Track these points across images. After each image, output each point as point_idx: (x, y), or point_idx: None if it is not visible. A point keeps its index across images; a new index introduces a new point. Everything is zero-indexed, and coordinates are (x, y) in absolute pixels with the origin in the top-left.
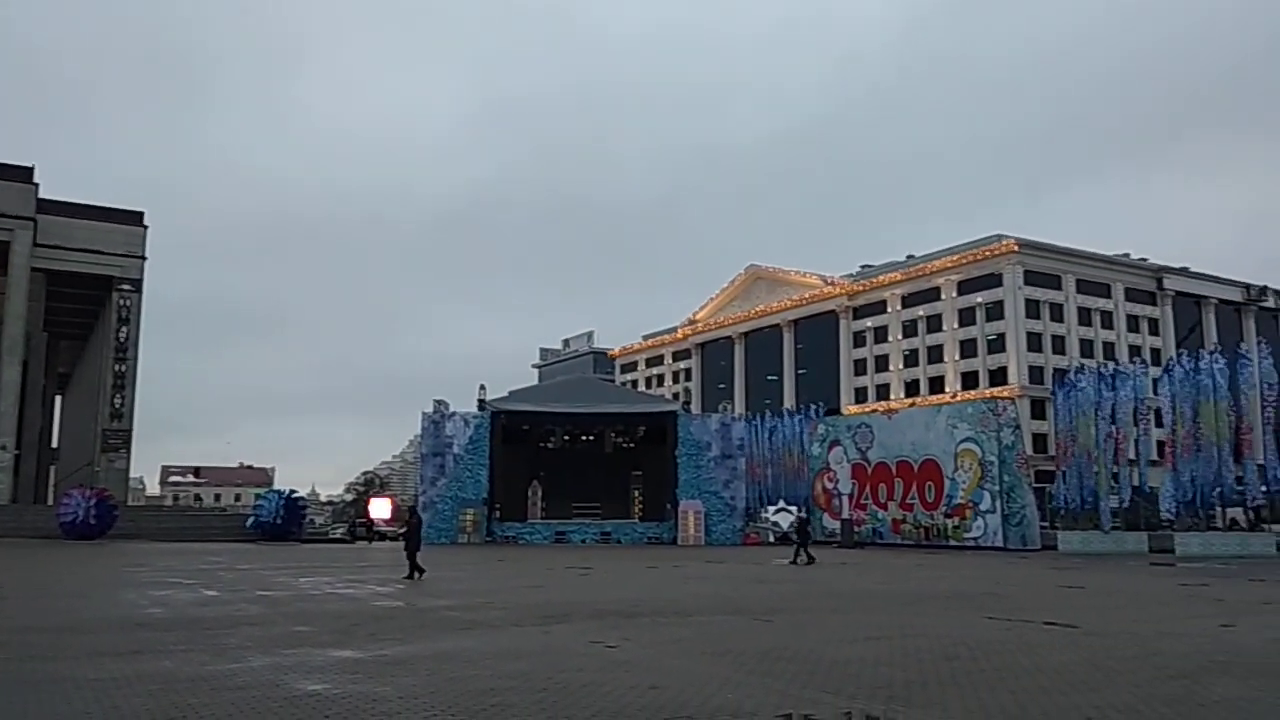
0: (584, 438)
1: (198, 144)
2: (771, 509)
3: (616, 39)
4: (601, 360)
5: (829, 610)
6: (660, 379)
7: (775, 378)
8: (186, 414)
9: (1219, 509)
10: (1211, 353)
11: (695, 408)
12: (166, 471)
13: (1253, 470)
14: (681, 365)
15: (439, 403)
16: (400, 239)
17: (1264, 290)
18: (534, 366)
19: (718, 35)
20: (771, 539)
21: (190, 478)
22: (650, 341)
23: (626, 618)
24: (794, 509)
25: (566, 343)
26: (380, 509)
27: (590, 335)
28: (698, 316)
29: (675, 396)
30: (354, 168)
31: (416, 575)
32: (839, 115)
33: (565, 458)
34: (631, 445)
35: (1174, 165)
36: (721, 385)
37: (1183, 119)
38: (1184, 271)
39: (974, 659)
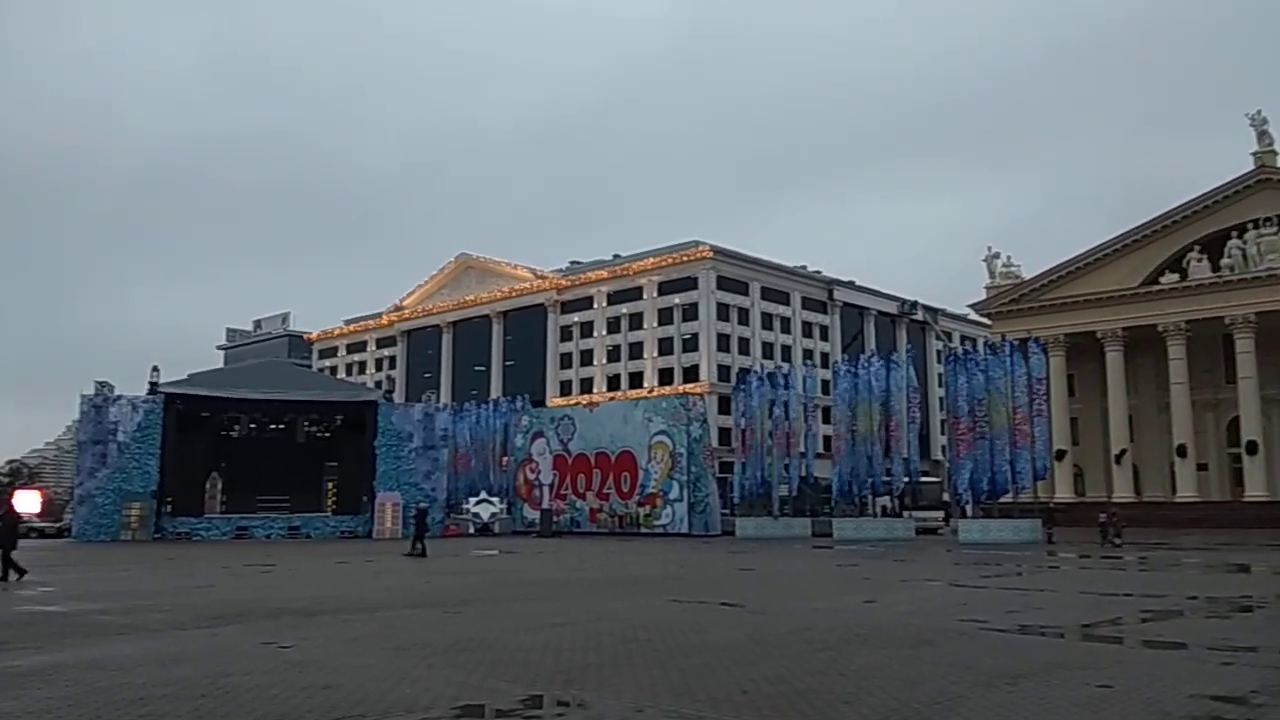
0: (273, 426)
1: None
2: (473, 500)
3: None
4: (298, 344)
5: (520, 599)
6: (362, 366)
7: (483, 368)
8: None
9: (871, 497)
10: (869, 359)
11: (399, 397)
12: None
13: (899, 463)
14: (386, 353)
15: (101, 384)
16: (91, 200)
17: (915, 305)
18: (219, 349)
19: (490, 8)
20: (472, 530)
21: None
22: (353, 327)
23: (307, 616)
24: (495, 500)
25: (258, 324)
26: (27, 502)
27: (286, 317)
28: (405, 303)
29: (378, 385)
30: (49, 117)
31: (14, 577)
32: (586, 112)
33: (251, 448)
34: (327, 435)
35: (870, 187)
36: (428, 374)
37: (881, 147)
38: (851, 285)
39: (650, 640)
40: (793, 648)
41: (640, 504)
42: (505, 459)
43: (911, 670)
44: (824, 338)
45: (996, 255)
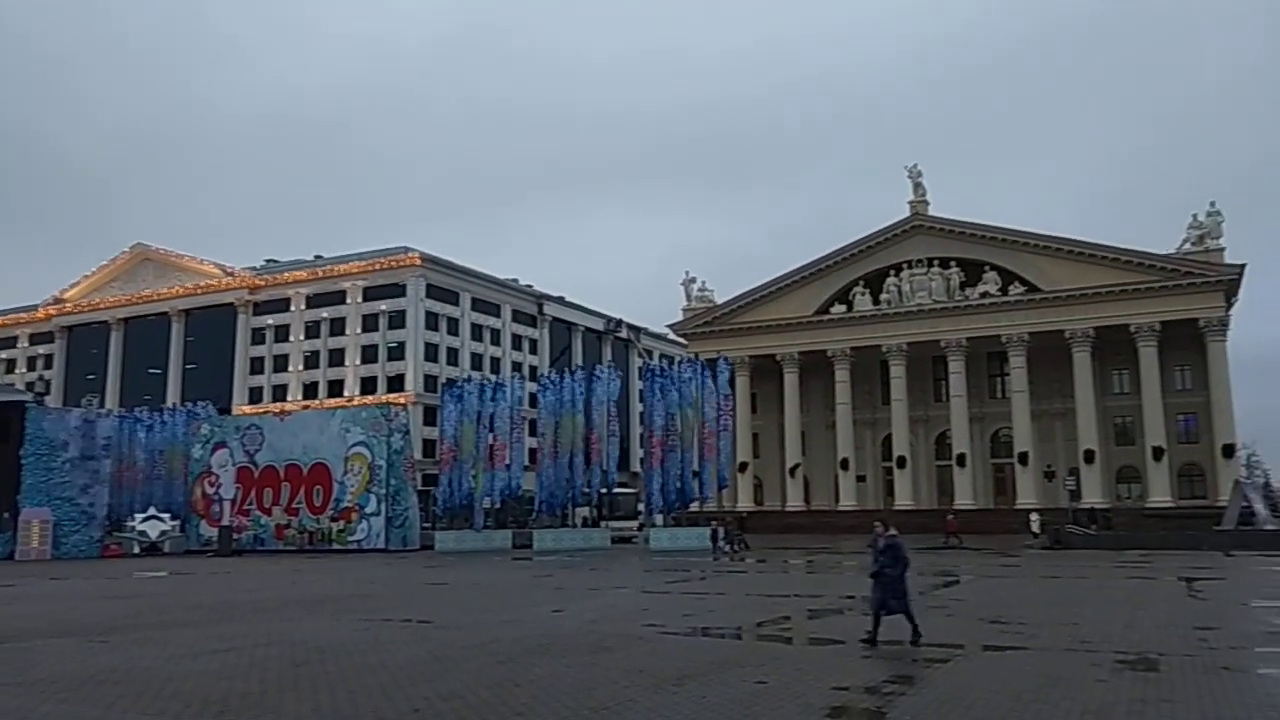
0: None
1: None
2: (140, 517)
3: None
4: None
5: (181, 625)
6: (11, 365)
7: (159, 371)
8: None
9: (571, 508)
10: (574, 373)
11: (55, 400)
12: None
13: (598, 474)
14: (41, 350)
15: None
16: None
17: (619, 323)
18: None
19: None
20: (137, 549)
21: None
22: (1, 320)
23: None
24: (166, 517)
25: None
26: None
27: None
28: (67, 295)
29: (29, 386)
30: None
31: None
32: (321, 107)
33: None
34: None
35: (607, 209)
36: (92, 376)
37: (623, 172)
38: (561, 300)
39: (323, 662)
40: (474, 662)
41: (334, 519)
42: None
43: (587, 677)
44: (533, 351)
45: (693, 280)
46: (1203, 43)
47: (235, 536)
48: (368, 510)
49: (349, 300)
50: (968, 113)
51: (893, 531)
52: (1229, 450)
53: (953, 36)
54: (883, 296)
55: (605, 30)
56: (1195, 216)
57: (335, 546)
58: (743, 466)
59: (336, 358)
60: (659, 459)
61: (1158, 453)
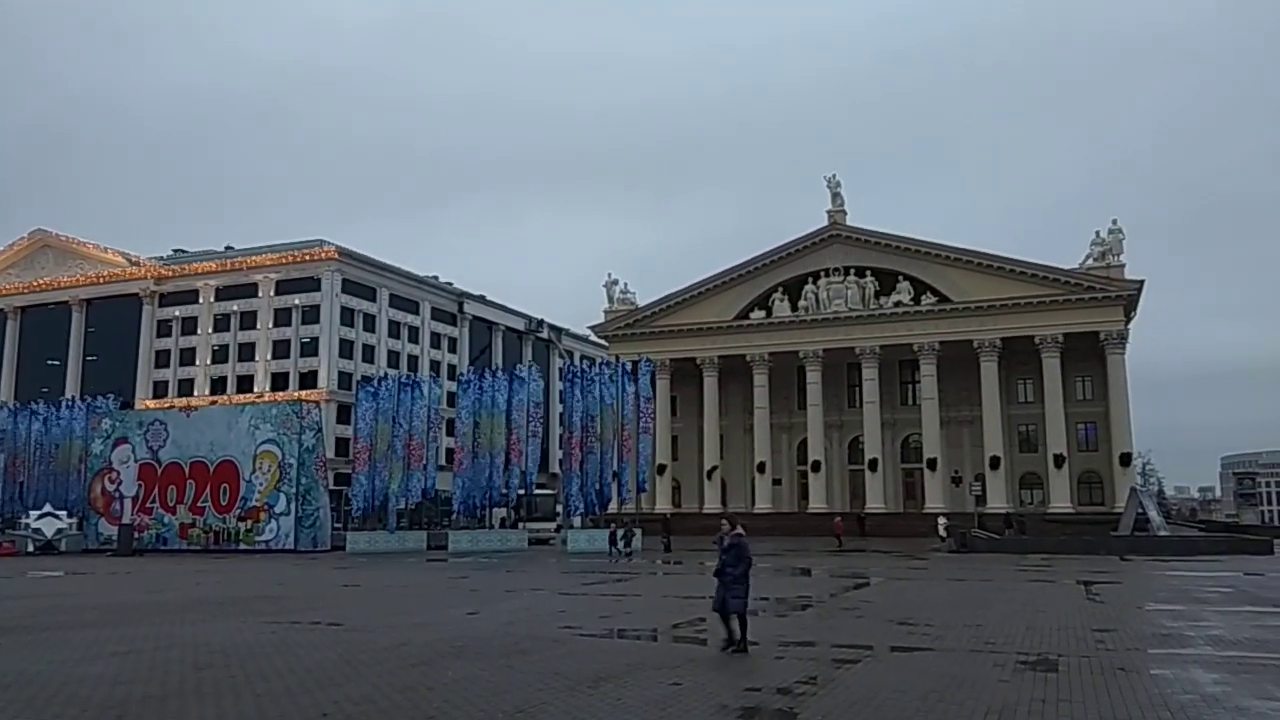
0: None
1: None
2: (35, 514)
3: None
4: None
5: (78, 626)
6: None
7: (58, 362)
8: None
9: (489, 509)
10: (495, 373)
11: None
12: None
13: (516, 475)
14: None
15: None
16: None
17: (541, 323)
18: None
19: None
20: (31, 548)
21: None
22: None
23: None
24: (63, 514)
25: None
26: None
27: None
28: None
29: None
30: None
31: None
32: (248, 93)
33: None
34: None
35: (539, 209)
36: None
37: (560, 172)
38: (482, 299)
39: (227, 666)
40: (386, 665)
41: (241, 518)
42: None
43: (502, 680)
44: (453, 350)
45: (615, 282)
46: (1119, 74)
47: (136, 535)
48: (277, 510)
49: (261, 293)
50: (894, 130)
51: (739, 530)
52: (1126, 459)
53: (886, 59)
54: (801, 303)
55: (545, 26)
56: (1098, 233)
57: (242, 547)
58: (661, 469)
59: (246, 352)
60: (578, 460)
61: (1059, 460)
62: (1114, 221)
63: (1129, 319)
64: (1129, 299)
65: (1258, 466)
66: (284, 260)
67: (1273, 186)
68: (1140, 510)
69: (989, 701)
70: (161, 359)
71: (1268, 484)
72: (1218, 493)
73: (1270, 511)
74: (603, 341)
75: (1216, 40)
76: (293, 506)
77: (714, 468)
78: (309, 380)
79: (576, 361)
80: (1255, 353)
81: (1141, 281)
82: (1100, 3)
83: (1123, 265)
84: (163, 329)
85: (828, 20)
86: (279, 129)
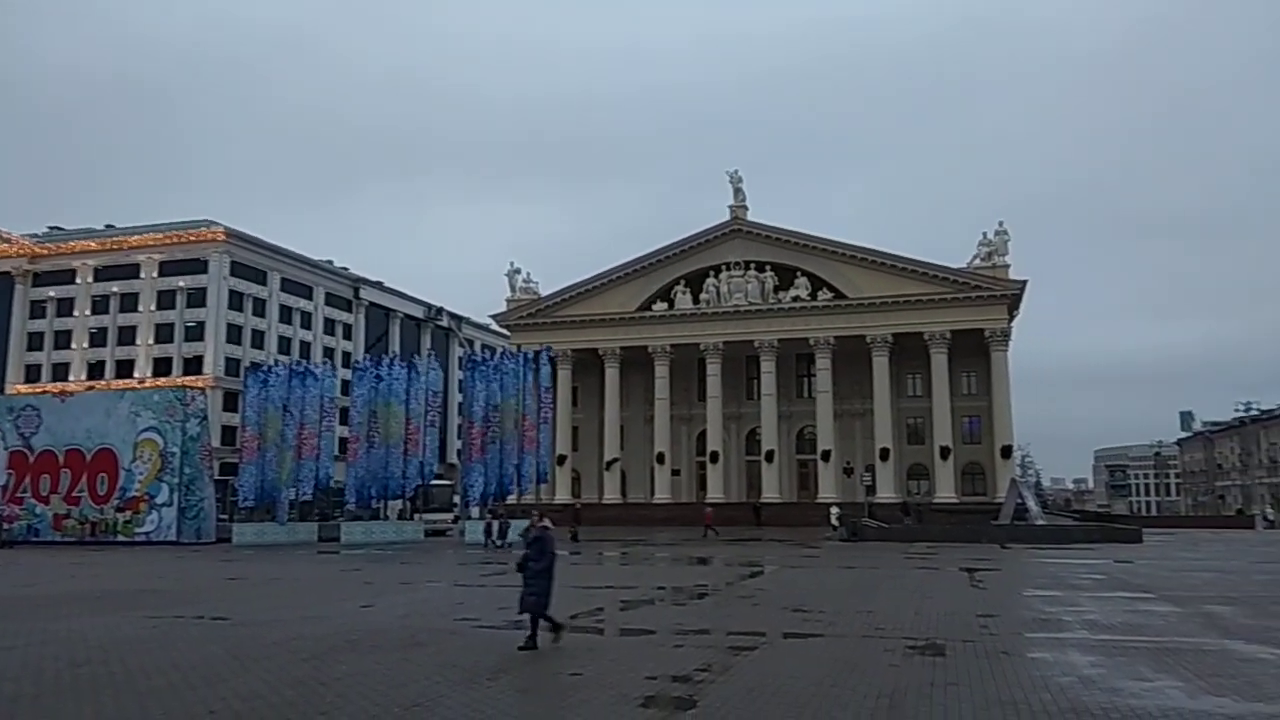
0: None
1: None
2: None
3: None
4: None
5: None
6: None
7: None
8: None
9: (385, 500)
10: (392, 361)
11: None
12: None
13: (415, 465)
14: None
15: None
16: None
17: (440, 311)
18: None
19: None
20: None
21: None
22: None
23: None
24: None
25: None
26: None
27: None
28: None
29: None
30: None
31: None
32: (153, 69)
33: None
34: None
35: (447, 197)
36: None
37: (466, 156)
38: (379, 285)
39: (106, 662)
40: (275, 660)
41: (120, 509)
42: None
43: (398, 673)
44: (347, 336)
45: (518, 271)
46: (1007, 82)
47: (6, 526)
48: (158, 500)
49: (143, 274)
50: (803, 132)
51: (545, 523)
52: (1007, 451)
53: (800, 64)
54: (702, 296)
55: (463, 10)
56: (985, 234)
57: (121, 539)
58: (561, 459)
59: (127, 336)
60: (478, 450)
61: (945, 452)
62: (1000, 224)
63: (1012, 317)
64: (1012, 298)
65: (1128, 460)
66: (168, 240)
67: (1154, 195)
68: (1020, 500)
69: (880, 685)
70: (35, 341)
71: (1137, 476)
72: (1091, 484)
73: (1139, 502)
74: (504, 331)
75: (1103, 44)
76: (175, 497)
77: (614, 460)
78: (194, 366)
79: (477, 351)
80: (1129, 353)
81: (1024, 282)
82: (1000, 9)
83: (1008, 266)
84: (36, 310)
85: (747, 24)
86: (174, 107)
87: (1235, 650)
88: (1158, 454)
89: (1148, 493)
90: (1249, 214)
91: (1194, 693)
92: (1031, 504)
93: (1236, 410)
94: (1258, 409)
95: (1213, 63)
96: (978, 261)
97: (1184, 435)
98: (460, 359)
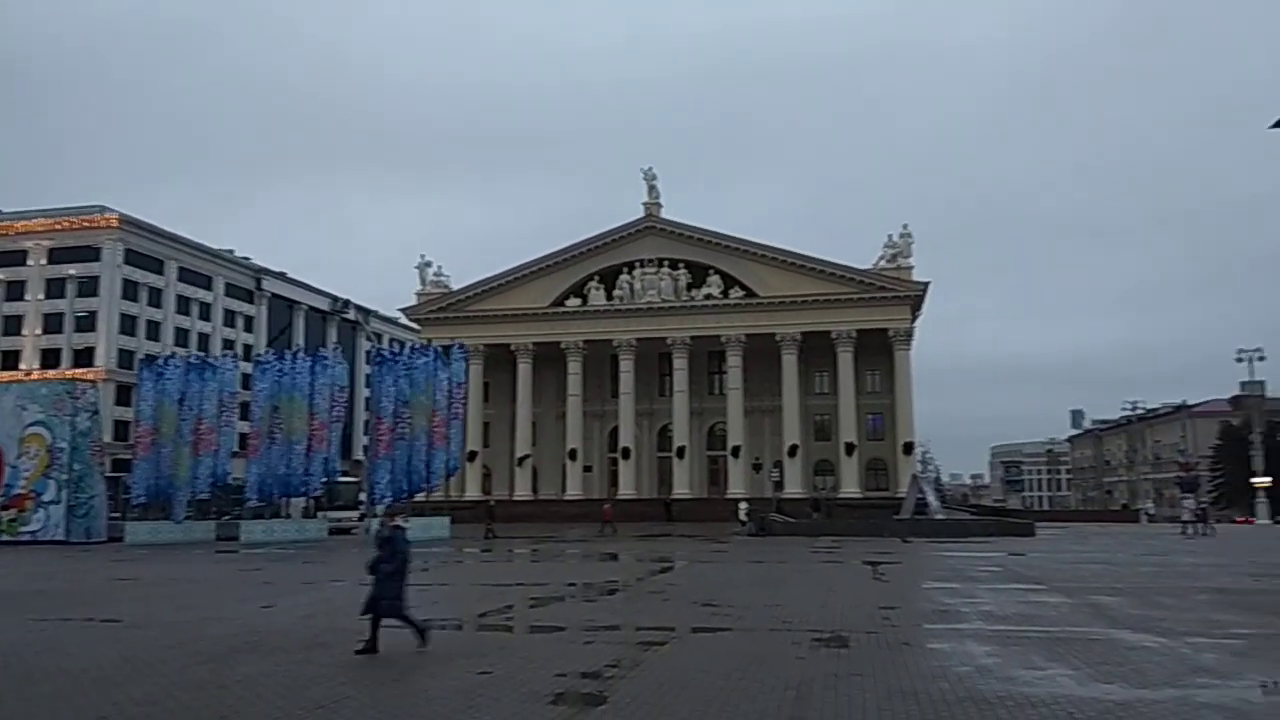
0: None
1: None
2: None
3: None
4: None
5: None
6: None
7: None
8: None
9: (288, 498)
10: (295, 354)
11: None
12: None
13: (319, 462)
14: None
15: None
16: None
17: (347, 303)
18: None
19: None
20: None
21: None
22: None
23: None
24: None
25: None
26: None
27: None
28: None
29: None
30: None
31: None
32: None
33: None
34: None
35: (359, 188)
36: None
37: (383, 146)
38: (282, 276)
39: None
40: (172, 663)
41: (4, 507)
42: None
43: (300, 675)
44: (249, 329)
45: (429, 264)
46: (924, 87)
47: None
48: (45, 498)
49: (30, 262)
50: (719, 132)
51: (397, 523)
52: (909, 447)
53: (727, 66)
54: (616, 292)
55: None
56: (890, 237)
57: (5, 538)
58: (472, 455)
59: (12, 326)
60: (386, 447)
61: (849, 448)
62: (905, 226)
63: (915, 317)
64: (915, 299)
65: (1022, 456)
66: (58, 226)
67: (1051, 200)
68: (920, 495)
69: (787, 678)
70: None
71: (1030, 472)
72: (987, 479)
73: (1033, 497)
74: (415, 325)
75: (1012, 59)
76: (64, 494)
77: (525, 456)
78: (84, 358)
79: (386, 344)
80: (1025, 352)
81: (927, 283)
82: (909, 20)
83: (911, 267)
84: None
85: (681, 24)
86: (68, 90)
87: (1122, 639)
88: (1050, 451)
89: (1041, 488)
90: (1134, 220)
91: (1083, 680)
92: (932, 499)
93: (1124, 409)
94: (1143, 408)
95: (1101, 83)
96: (883, 263)
97: (1075, 432)
98: (368, 353)
